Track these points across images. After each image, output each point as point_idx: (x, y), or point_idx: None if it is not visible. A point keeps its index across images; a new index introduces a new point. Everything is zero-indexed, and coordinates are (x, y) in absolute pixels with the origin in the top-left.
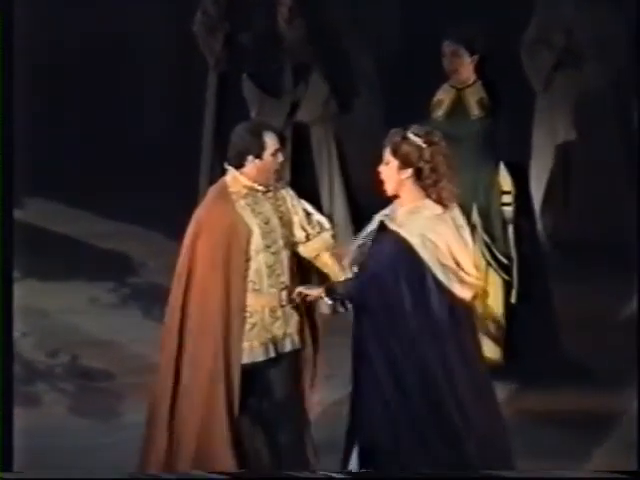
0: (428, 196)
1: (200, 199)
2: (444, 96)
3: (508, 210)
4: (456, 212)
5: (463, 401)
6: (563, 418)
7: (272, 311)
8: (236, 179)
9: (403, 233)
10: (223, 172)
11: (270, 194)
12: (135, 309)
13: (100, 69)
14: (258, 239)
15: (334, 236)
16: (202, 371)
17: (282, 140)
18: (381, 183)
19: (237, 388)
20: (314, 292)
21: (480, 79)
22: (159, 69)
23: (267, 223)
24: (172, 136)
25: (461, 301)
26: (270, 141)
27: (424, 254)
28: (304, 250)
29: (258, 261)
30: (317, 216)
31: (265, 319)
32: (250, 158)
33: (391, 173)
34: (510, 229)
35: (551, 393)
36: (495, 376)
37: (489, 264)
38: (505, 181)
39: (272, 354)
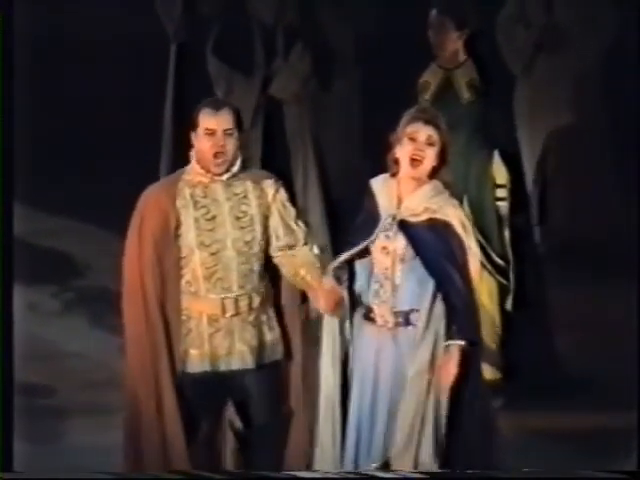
0: None
1: None
2: (431, 77)
3: (503, 205)
4: None
5: None
6: (562, 435)
7: (213, 320)
8: (193, 165)
9: (445, 218)
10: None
11: (239, 189)
12: (80, 317)
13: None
14: (191, 234)
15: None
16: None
17: (240, 122)
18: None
19: (171, 392)
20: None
21: (471, 58)
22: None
23: (210, 219)
24: (125, 116)
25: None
26: (203, 118)
27: (466, 239)
28: (281, 261)
29: (194, 260)
30: (300, 226)
31: (201, 327)
32: (193, 135)
33: (433, 156)
34: (506, 227)
35: (551, 409)
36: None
37: (483, 266)
38: (499, 173)
39: (206, 367)
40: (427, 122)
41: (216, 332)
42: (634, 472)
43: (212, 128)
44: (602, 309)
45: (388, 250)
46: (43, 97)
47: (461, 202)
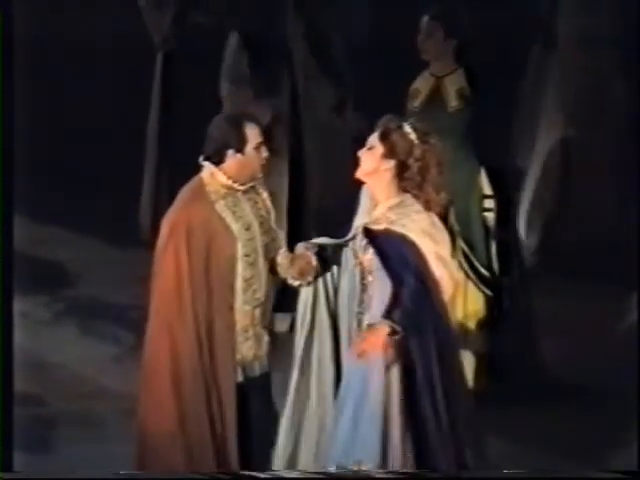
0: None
1: (145, 199)
2: (422, 85)
3: (490, 216)
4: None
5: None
6: (546, 440)
7: (244, 330)
8: (214, 176)
9: (397, 229)
10: (171, 171)
11: (250, 195)
12: (71, 326)
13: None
14: (239, 246)
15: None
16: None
17: (265, 133)
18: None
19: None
20: (380, 338)
21: (463, 67)
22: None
23: (248, 229)
24: (111, 128)
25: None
26: (252, 133)
27: (424, 249)
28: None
29: (235, 272)
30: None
31: (236, 339)
32: (230, 152)
33: (372, 159)
34: (493, 238)
35: (536, 415)
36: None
37: (467, 276)
38: (487, 183)
39: (240, 378)
40: (380, 133)
41: (246, 341)
42: (634, 472)
43: (262, 141)
44: (587, 315)
45: (360, 260)
46: (43, 97)
47: (447, 212)
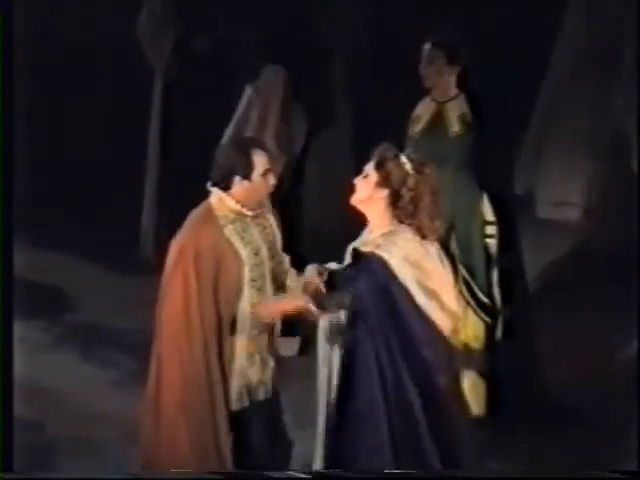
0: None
1: (145, 224)
2: (424, 111)
3: (492, 243)
4: (435, 245)
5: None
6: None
7: (250, 355)
8: (222, 201)
9: (381, 253)
10: (172, 195)
11: (258, 220)
12: (71, 351)
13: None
14: (246, 271)
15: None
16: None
17: (274, 161)
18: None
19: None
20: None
21: (465, 92)
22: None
23: (257, 254)
24: (110, 155)
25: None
26: (259, 160)
27: (404, 276)
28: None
29: (243, 298)
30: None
31: (242, 364)
32: (237, 179)
33: (366, 187)
34: (494, 265)
35: (539, 441)
36: (478, 425)
37: (468, 303)
38: (489, 210)
39: (245, 403)
40: (376, 162)
41: (252, 366)
42: (634, 472)
43: (269, 168)
44: (590, 340)
45: None
46: (43, 97)
47: (449, 238)
